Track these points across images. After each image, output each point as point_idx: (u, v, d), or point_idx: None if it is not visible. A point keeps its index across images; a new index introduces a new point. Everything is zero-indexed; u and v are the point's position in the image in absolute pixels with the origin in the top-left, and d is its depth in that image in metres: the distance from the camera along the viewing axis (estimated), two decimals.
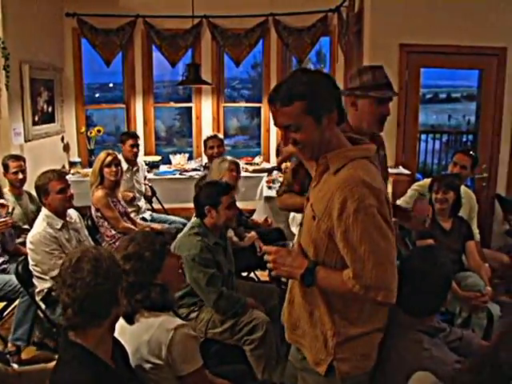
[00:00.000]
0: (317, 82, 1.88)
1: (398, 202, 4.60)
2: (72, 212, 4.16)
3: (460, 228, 4.10)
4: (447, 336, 2.55)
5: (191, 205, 3.75)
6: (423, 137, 6.90)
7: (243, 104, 9.38)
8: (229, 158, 4.99)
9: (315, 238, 1.96)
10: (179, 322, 2.30)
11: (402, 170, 5.19)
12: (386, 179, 3.09)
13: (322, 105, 1.87)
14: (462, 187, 4.29)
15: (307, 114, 1.86)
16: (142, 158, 6.68)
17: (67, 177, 4.19)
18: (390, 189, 4.89)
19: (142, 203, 5.92)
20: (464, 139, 6.92)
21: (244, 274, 4.88)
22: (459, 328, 3.28)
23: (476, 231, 4.46)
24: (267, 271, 4.09)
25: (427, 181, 4.42)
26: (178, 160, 7.30)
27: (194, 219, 3.69)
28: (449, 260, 2.48)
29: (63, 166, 6.97)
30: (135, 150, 5.91)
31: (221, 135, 6.48)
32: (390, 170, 5.01)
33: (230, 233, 4.71)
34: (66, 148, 7.25)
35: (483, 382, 1.68)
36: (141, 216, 5.69)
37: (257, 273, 5.21)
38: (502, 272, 4.73)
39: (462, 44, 5.52)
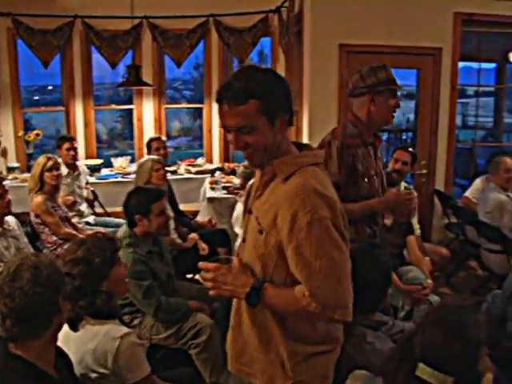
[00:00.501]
0: (272, 81, 1.75)
1: None
2: (10, 219, 4.04)
3: (401, 223, 4.19)
4: (390, 329, 2.61)
5: None
6: None
7: (185, 105, 9.36)
8: (151, 157, 4.94)
9: (263, 254, 1.80)
10: (125, 330, 2.27)
11: None
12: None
13: (277, 105, 1.74)
14: (403, 183, 4.39)
15: (262, 113, 1.72)
16: (83, 162, 6.55)
17: (5, 182, 4.07)
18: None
19: (84, 208, 5.80)
20: (404, 137, 7.09)
21: (189, 275, 4.86)
22: (402, 321, 3.36)
23: (416, 226, 4.56)
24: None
25: None
26: (120, 163, 7.19)
27: (124, 228, 3.59)
28: (388, 257, 2.54)
29: (0, 172, 6.76)
30: (72, 153, 5.75)
31: (164, 137, 6.42)
32: None
33: (174, 234, 4.68)
34: (4, 153, 7.03)
35: (398, 368, 1.74)
36: (84, 220, 5.58)
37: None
38: (442, 265, 4.88)
39: (400, 44, 5.65)
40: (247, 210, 1.96)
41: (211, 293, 1.86)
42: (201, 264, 1.87)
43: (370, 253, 2.49)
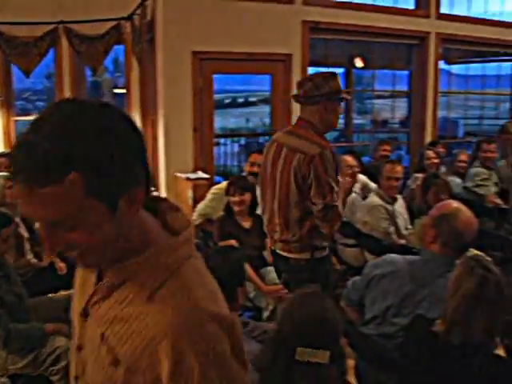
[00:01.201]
0: (109, 133, 0.97)
1: (199, 207, 4.69)
2: None
3: (260, 225, 4.26)
4: (252, 331, 2.65)
5: None
6: (222, 140, 7.13)
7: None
8: (2, 174, 4.67)
9: None
10: None
11: (200, 174, 5.30)
12: None
13: (119, 176, 0.98)
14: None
15: (92, 195, 0.96)
16: None
17: None
18: (190, 193, 4.98)
19: None
20: (261, 141, 7.27)
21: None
22: (268, 321, 3.44)
23: None
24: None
25: (225, 183, 4.55)
26: None
27: None
28: (240, 258, 2.58)
29: None
30: None
31: None
32: (188, 176, 5.13)
33: (29, 255, 4.44)
34: None
35: (274, 361, 1.82)
36: None
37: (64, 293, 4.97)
38: None
39: (252, 51, 5.80)
40: (81, 310, 1.20)
41: None
42: None
43: (222, 252, 2.52)
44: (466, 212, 2.73)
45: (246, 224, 4.23)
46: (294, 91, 3.36)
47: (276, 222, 3.26)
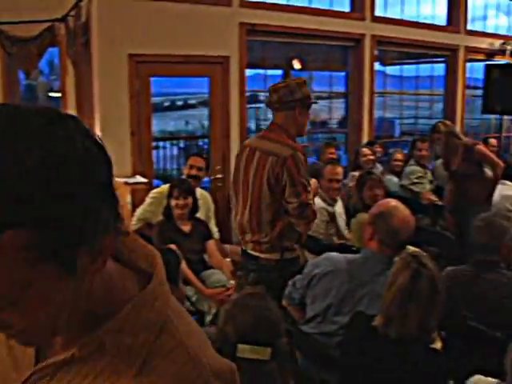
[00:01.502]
0: (59, 159, 0.65)
1: (138, 211, 4.63)
2: None
3: (199, 229, 4.26)
4: None
5: None
6: (162, 144, 7.06)
7: None
8: None
9: None
10: None
11: (139, 178, 5.21)
12: None
13: (77, 224, 0.68)
14: (198, 189, 4.47)
15: (38, 259, 0.67)
16: None
17: None
18: (128, 198, 4.90)
19: None
20: (201, 143, 7.24)
21: None
22: (210, 325, 3.43)
23: (215, 229, 4.68)
24: None
25: (166, 186, 4.50)
26: None
27: None
28: (173, 257, 2.59)
29: None
30: None
31: None
32: (127, 180, 5.05)
33: None
34: None
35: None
36: None
37: None
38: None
39: (189, 53, 5.76)
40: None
41: None
42: None
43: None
44: (402, 210, 2.79)
45: (186, 228, 4.20)
46: (267, 98, 3.46)
47: (248, 224, 3.34)
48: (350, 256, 2.89)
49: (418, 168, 6.22)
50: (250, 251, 3.40)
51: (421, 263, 2.18)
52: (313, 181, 3.52)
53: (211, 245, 4.30)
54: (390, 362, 2.14)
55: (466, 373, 2.07)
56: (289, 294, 3.01)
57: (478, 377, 2.01)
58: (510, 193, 5.36)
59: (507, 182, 5.42)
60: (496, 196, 5.33)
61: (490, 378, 1.89)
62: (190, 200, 4.17)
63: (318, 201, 4.66)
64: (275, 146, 3.22)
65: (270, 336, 1.84)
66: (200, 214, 4.37)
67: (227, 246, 5.04)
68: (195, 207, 4.24)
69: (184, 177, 4.70)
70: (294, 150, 3.16)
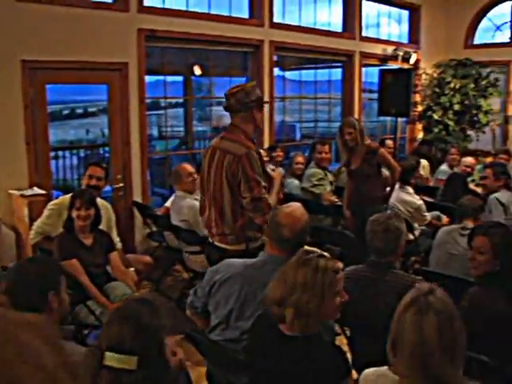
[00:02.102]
0: None
1: (36, 224, 4.47)
2: None
3: (101, 241, 4.13)
4: None
5: None
6: (61, 153, 6.84)
7: None
8: None
9: None
10: None
11: (36, 190, 5.00)
12: None
13: None
14: (98, 199, 4.35)
15: None
16: None
17: None
18: (25, 211, 4.72)
19: None
20: (102, 152, 7.07)
21: None
22: None
23: (117, 239, 4.59)
24: None
25: (65, 197, 4.37)
26: None
27: None
28: (52, 262, 2.57)
29: None
30: None
31: None
32: (23, 193, 4.86)
33: None
34: None
35: (87, 365, 1.83)
36: None
37: None
38: (148, 273, 4.98)
39: (87, 59, 5.60)
40: None
41: None
42: None
43: (34, 259, 2.47)
44: (288, 207, 2.90)
45: (88, 241, 4.05)
46: (224, 102, 3.69)
47: (213, 218, 3.67)
48: (248, 260, 2.93)
49: (318, 170, 6.38)
50: (217, 243, 3.68)
51: (311, 260, 2.23)
52: (278, 171, 4.08)
53: (114, 256, 4.18)
54: (293, 361, 2.17)
55: (366, 366, 2.13)
56: (191, 303, 3.00)
57: (371, 369, 2.08)
58: (408, 198, 5.63)
59: (408, 188, 5.69)
60: (394, 199, 5.58)
61: (381, 368, 1.97)
62: (92, 211, 4.03)
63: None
64: (233, 146, 3.56)
65: (139, 345, 1.80)
66: (101, 225, 4.25)
67: (130, 256, 4.96)
68: (98, 219, 4.11)
69: (83, 187, 4.58)
70: (248, 149, 3.50)
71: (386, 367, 1.86)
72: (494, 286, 2.96)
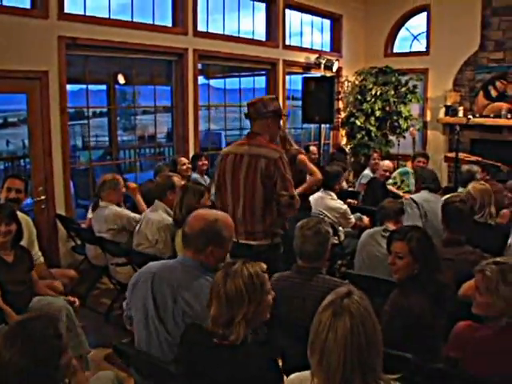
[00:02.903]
0: None
1: None
2: None
3: (23, 257, 3.95)
4: None
5: None
6: None
7: None
8: None
9: None
10: None
11: None
12: None
13: None
14: (18, 213, 4.18)
15: None
16: None
17: None
18: None
19: None
20: (23, 163, 6.84)
21: None
22: None
23: (39, 254, 4.43)
24: None
25: None
26: None
27: None
28: None
29: None
30: None
31: None
32: None
33: None
34: None
35: None
36: None
37: None
38: (73, 287, 4.84)
39: (4, 68, 5.43)
40: None
41: None
42: None
43: None
44: (202, 210, 2.94)
45: (9, 258, 3.84)
46: (246, 111, 4.10)
47: (241, 217, 3.93)
48: (168, 262, 2.90)
49: None
50: (242, 241, 3.90)
51: (244, 266, 2.26)
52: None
53: (37, 271, 4.04)
54: (226, 369, 2.16)
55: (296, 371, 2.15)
56: (125, 316, 2.94)
57: (296, 373, 2.11)
58: (333, 204, 5.75)
59: (331, 194, 5.81)
60: (319, 205, 5.67)
61: (305, 372, 1.99)
62: (13, 226, 3.82)
63: (164, 216, 4.67)
64: (263, 150, 3.90)
65: (42, 358, 1.90)
66: (22, 240, 4.06)
67: (54, 270, 4.80)
68: (19, 234, 3.92)
69: (2, 201, 4.41)
70: (280, 153, 3.93)
71: (309, 371, 1.89)
72: (415, 290, 3.03)
